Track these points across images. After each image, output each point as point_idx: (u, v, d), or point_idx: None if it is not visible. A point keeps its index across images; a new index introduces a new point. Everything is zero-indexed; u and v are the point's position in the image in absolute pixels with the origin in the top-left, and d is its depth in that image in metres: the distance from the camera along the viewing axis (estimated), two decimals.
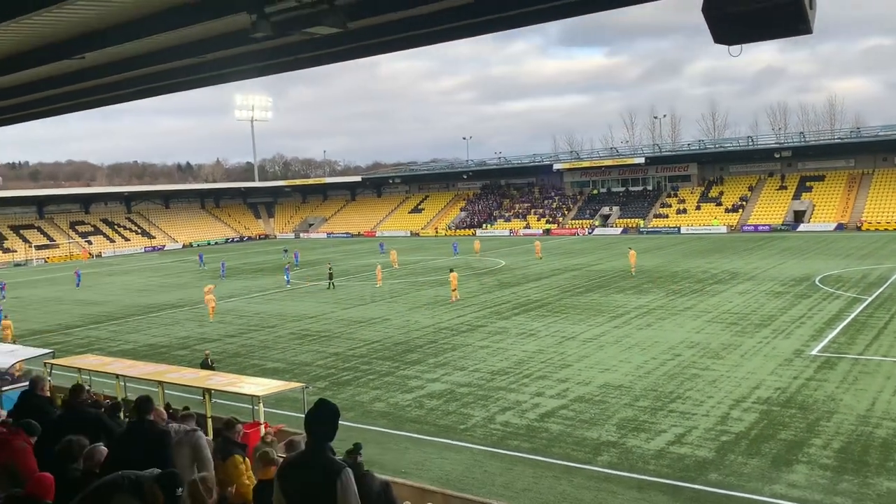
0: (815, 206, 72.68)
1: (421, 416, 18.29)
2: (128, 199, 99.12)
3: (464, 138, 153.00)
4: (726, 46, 8.88)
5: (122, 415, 11.81)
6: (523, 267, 49.92)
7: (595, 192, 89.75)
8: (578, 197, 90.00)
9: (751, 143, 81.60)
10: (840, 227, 68.16)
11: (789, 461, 14.20)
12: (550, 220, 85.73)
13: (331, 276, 44.26)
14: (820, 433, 15.61)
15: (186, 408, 13.26)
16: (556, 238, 77.26)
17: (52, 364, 18.68)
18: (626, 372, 21.29)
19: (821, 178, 76.14)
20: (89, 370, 18.01)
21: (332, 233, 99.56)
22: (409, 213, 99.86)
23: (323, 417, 5.16)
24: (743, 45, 8.74)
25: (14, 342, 28.31)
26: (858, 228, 67.02)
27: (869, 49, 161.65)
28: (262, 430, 14.19)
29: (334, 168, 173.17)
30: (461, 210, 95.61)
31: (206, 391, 15.55)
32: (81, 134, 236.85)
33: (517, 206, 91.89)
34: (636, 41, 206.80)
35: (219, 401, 19.17)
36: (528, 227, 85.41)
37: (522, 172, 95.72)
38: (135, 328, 33.80)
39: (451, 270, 38.47)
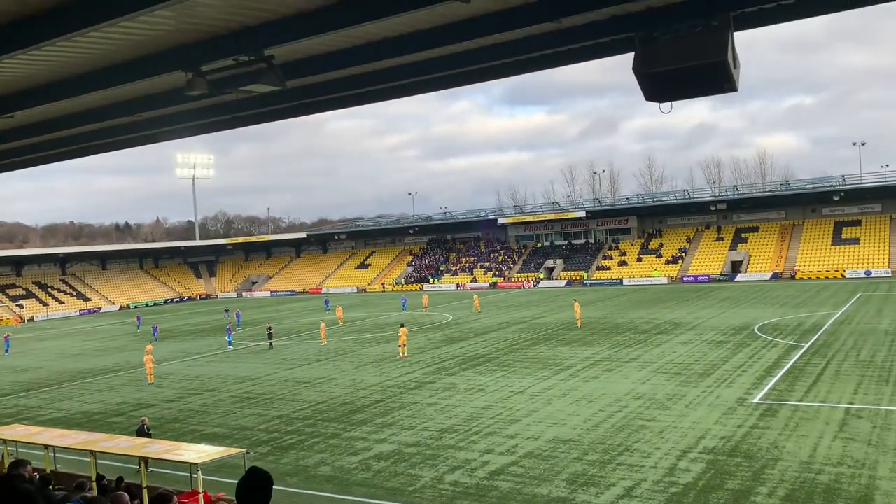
0: (751, 256, 75.01)
1: (368, 479, 17.79)
2: (63, 261, 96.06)
3: (409, 194, 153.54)
4: (657, 104, 9.17)
5: (51, 488, 11.19)
6: (471, 321, 49.87)
7: (539, 245, 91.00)
8: (523, 250, 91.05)
9: (687, 197, 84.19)
10: (775, 276, 70.39)
11: None
12: (496, 273, 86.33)
13: (270, 336, 43.33)
14: (765, 481, 15.73)
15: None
16: (502, 291, 77.67)
17: None
18: (574, 425, 21.22)
19: (755, 230, 78.84)
20: (16, 441, 17.07)
21: (277, 291, 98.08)
22: (356, 268, 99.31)
23: (255, 486, 4.90)
24: (673, 102, 9.04)
25: None
26: (792, 277, 69.31)
27: (793, 107, 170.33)
28: (201, 499, 13.60)
29: (279, 225, 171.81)
30: (408, 265, 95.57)
31: (143, 459, 14.89)
32: (13, 194, 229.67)
33: (463, 259, 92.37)
34: (576, 99, 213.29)
35: (156, 469, 18.36)
36: (474, 280, 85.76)
37: (468, 227, 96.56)
38: (67, 395, 32.32)
39: (402, 325, 38.15)
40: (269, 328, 44.42)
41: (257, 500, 4.87)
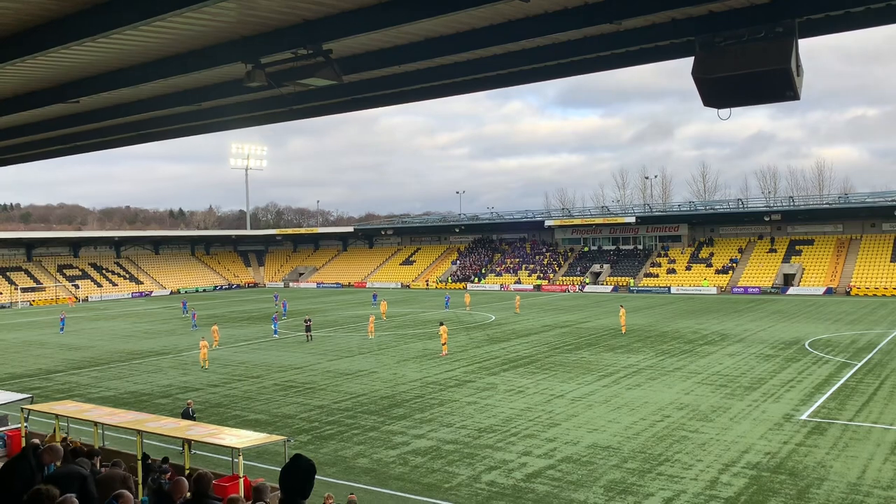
0: (804, 269, 73.09)
1: (405, 474, 17.88)
2: (117, 244, 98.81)
3: (457, 192, 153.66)
4: (716, 110, 9.00)
5: (98, 463, 11.54)
6: (513, 322, 49.70)
7: (586, 249, 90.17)
8: (569, 254, 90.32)
9: (741, 206, 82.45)
10: (829, 291, 68.44)
11: None
12: (541, 275, 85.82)
13: (308, 329, 43.29)
14: (810, 500, 15.32)
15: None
16: (546, 294, 77.18)
17: (30, 409, 18.27)
18: (614, 432, 20.98)
19: (810, 243, 76.77)
20: (67, 416, 17.61)
21: (323, 283, 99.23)
22: (401, 264, 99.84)
23: (299, 473, 4.98)
24: (732, 108, 8.85)
25: None
26: (847, 293, 67.31)
27: (855, 118, 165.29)
28: (241, 484, 13.84)
29: (327, 218, 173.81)
30: (452, 263, 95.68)
31: (186, 441, 15.22)
32: (76, 177, 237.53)
33: (508, 260, 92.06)
34: (631, 103, 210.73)
35: (199, 452, 18.77)
36: (518, 282, 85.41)
37: (514, 228, 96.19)
38: (117, 375, 33.25)
39: (441, 324, 38.21)
40: (308, 321, 44.17)
41: (300, 484, 4.96)
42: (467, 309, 59.47)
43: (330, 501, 13.22)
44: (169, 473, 13.09)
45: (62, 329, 51.65)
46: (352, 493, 14.46)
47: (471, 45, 10.19)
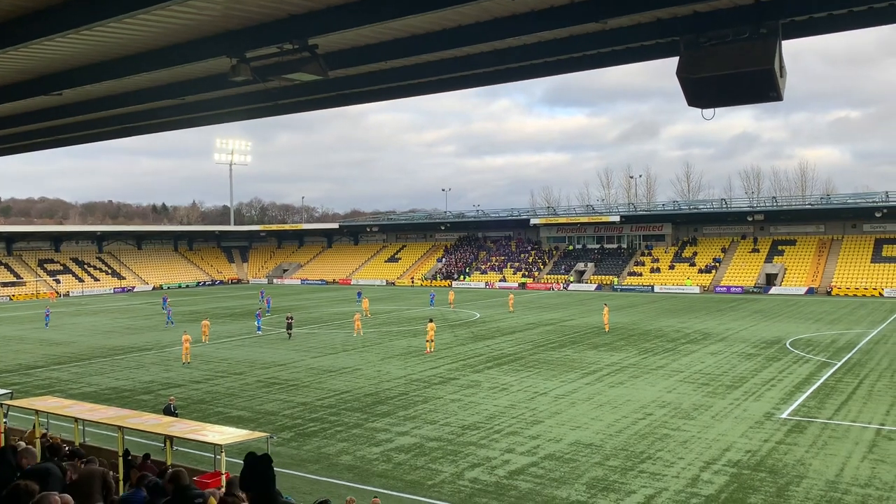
0: (786, 269, 73.75)
1: (388, 471, 17.89)
2: (100, 239, 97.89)
3: (443, 190, 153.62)
4: (700, 110, 9.06)
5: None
6: (498, 320, 49.80)
7: (571, 248, 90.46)
8: (554, 252, 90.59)
9: (724, 206, 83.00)
10: (811, 290, 69.12)
11: None
12: (526, 273, 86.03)
13: (290, 327, 42.68)
14: (789, 498, 15.49)
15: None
16: (530, 292, 77.38)
17: (9, 405, 18.08)
18: (597, 430, 21.09)
19: (792, 243, 77.47)
20: (47, 413, 17.46)
21: (307, 279, 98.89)
22: (386, 261, 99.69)
23: (258, 469, 4.97)
24: (716, 108, 8.91)
25: None
26: (828, 293, 68.01)
27: (837, 120, 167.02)
28: (223, 480, 13.78)
29: (312, 214, 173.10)
30: (438, 260, 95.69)
31: (168, 438, 15.14)
32: (57, 171, 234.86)
33: (493, 258, 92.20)
34: (617, 103, 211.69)
35: (181, 448, 18.67)
36: (503, 280, 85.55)
37: (499, 226, 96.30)
38: (98, 370, 32.98)
39: (430, 320, 38.19)
40: (290, 318, 43.78)
41: (264, 479, 4.93)
42: (451, 306, 59.50)
43: None
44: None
45: (47, 324, 51.15)
46: (375, 497, 14.27)
47: (457, 43, 10.19)
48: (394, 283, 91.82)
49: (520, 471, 17.57)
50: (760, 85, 8.40)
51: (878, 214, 70.72)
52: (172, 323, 50.15)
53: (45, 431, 18.03)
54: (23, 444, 15.29)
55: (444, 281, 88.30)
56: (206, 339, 40.13)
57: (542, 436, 20.58)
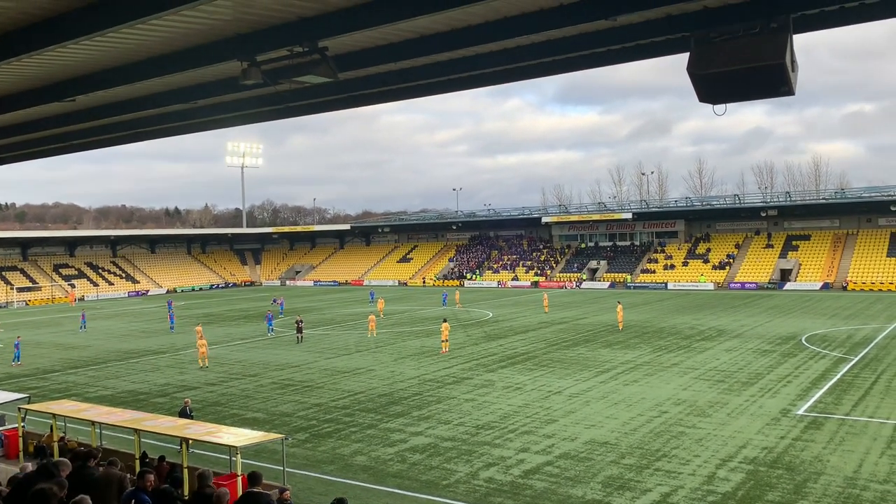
0: (801, 264, 73.24)
1: (403, 471, 17.91)
2: (113, 243, 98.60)
3: (454, 189, 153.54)
4: (712, 106, 9.01)
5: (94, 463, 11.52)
6: (510, 319, 49.74)
7: (583, 245, 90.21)
8: (566, 250, 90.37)
9: (738, 202, 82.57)
10: (826, 286, 68.60)
11: None
12: (538, 272, 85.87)
13: (299, 330, 42.11)
14: (807, 495, 15.38)
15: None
16: (543, 291, 77.21)
17: (27, 409, 18.26)
18: (612, 428, 21.03)
19: (807, 238, 76.92)
20: (64, 416, 17.60)
21: (320, 280, 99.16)
22: (398, 262, 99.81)
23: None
24: (727, 104, 8.87)
25: None
26: (844, 288, 67.47)
27: (851, 114, 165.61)
28: (239, 482, 13.85)
29: (324, 216, 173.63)
30: (450, 260, 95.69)
31: (184, 440, 15.21)
32: (71, 176, 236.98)
33: (505, 257, 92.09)
34: (629, 100, 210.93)
35: (196, 451, 18.76)
36: (515, 279, 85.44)
37: (511, 224, 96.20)
38: (114, 374, 33.22)
39: (444, 320, 38.18)
40: (299, 322, 43.35)
41: None
42: (458, 306, 59.50)
43: None
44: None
45: (83, 326, 51.43)
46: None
47: (466, 42, 10.20)
48: (406, 284, 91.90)
49: (535, 470, 17.55)
50: (772, 80, 8.35)
51: (893, 208, 70.12)
52: (173, 329, 50.03)
53: (62, 435, 18.19)
54: (41, 442, 15.42)
55: (455, 281, 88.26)
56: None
57: (557, 435, 20.53)
